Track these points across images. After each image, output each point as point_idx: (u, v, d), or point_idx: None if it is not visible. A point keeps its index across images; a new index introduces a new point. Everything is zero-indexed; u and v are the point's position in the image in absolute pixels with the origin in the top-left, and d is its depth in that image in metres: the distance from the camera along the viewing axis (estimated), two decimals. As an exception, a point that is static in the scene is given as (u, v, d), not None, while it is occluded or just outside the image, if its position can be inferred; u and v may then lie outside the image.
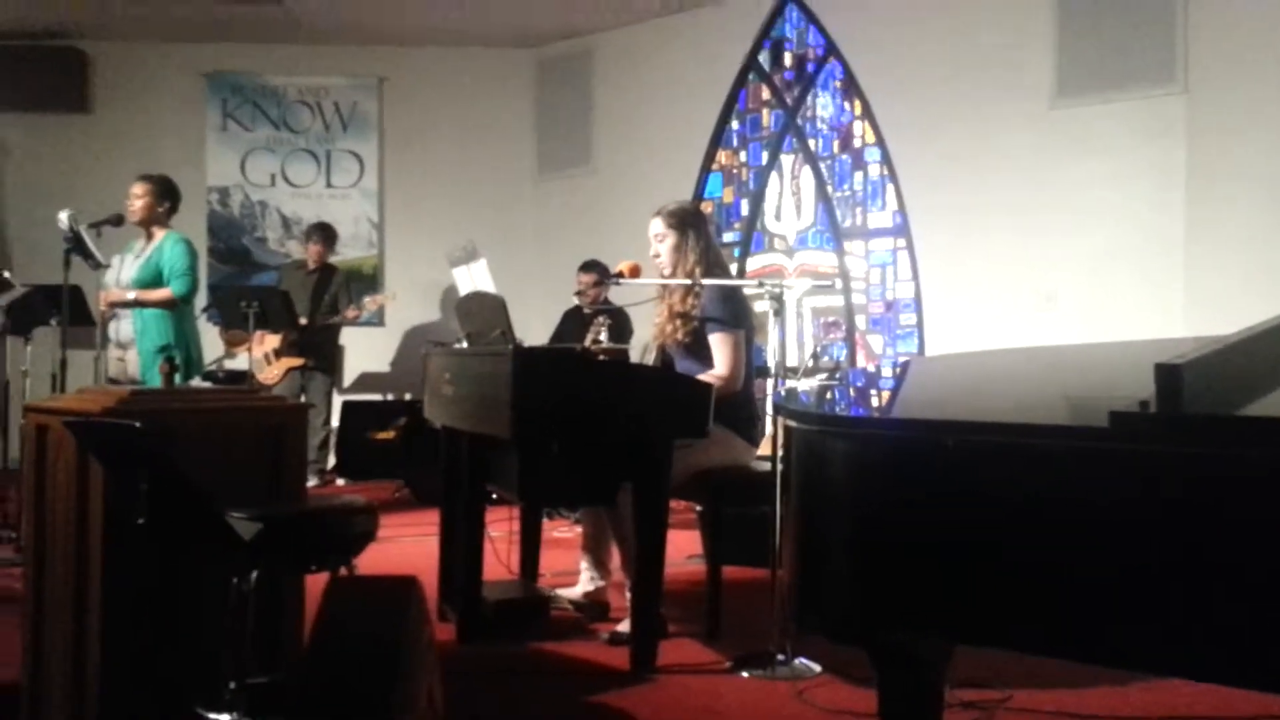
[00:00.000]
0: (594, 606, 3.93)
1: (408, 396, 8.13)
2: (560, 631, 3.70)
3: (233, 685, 2.58)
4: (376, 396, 8.36)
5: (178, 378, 4.86)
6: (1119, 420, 1.53)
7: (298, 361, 7.07)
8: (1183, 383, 1.51)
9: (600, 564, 3.98)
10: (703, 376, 3.56)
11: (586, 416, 3.27)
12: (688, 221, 3.85)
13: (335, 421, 7.71)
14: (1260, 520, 1.42)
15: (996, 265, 6.18)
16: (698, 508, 3.87)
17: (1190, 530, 1.47)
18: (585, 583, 4.00)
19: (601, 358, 3.70)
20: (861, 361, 6.90)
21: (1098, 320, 5.60)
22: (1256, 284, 4.80)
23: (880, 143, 6.85)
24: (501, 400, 3.26)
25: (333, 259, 7.71)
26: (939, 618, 1.74)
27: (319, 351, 7.25)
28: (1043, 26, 6.03)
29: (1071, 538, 1.58)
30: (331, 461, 7.63)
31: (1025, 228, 6.04)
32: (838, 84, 7.15)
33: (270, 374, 6.98)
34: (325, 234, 7.60)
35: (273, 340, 6.96)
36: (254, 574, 2.62)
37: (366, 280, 8.52)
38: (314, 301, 7.30)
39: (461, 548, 3.69)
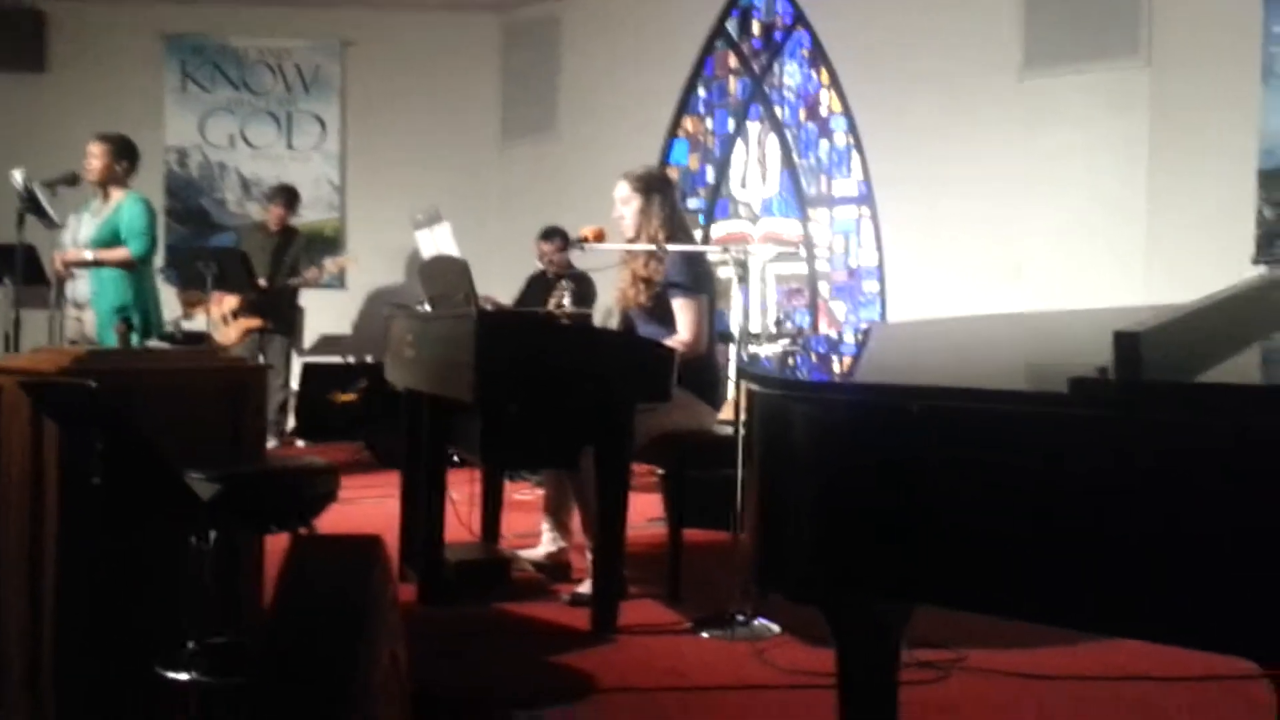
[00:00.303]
0: (555, 568, 3.94)
1: (369, 359, 8.08)
2: (522, 593, 3.71)
3: (191, 645, 2.57)
4: (337, 359, 8.30)
5: (135, 338, 4.81)
6: (1078, 386, 1.55)
7: (256, 323, 6.99)
8: (1140, 350, 1.52)
9: (562, 526, 3.99)
10: (666, 341, 3.57)
11: (549, 380, 3.27)
12: (653, 186, 3.84)
13: (295, 384, 7.66)
14: (1212, 485, 1.44)
15: (961, 235, 6.22)
16: (660, 471, 3.89)
17: (1145, 495, 1.49)
18: (547, 544, 4.01)
19: (565, 322, 3.70)
20: (824, 328, 6.94)
21: (1062, 290, 5.65)
22: (1216, 255, 4.86)
23: (846, 112, 6.86)
24: (464, 363, 3.25)
25: (294, 221, 7.62)
26: (898, 580, 1.75)
27: (278, 314, 7.17)
28: (1010, -3, 6.04)
29: (1029, 502, 1.60)
30: (292, 423, 7.58)
31: (990, 197, 6.07)
32: (805, 53, 7.13)
33: (228, 335, 6.91)
34: (287, 196, 7.51)
35: (230, 301, 6.88)
36: (212, 534, 2.60)
37: (328, 243, 8.44)
38: (274, 264, 7.22)
39: (423, 509, 3.68)
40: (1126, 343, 1.52)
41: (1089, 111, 5.74)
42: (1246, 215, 4.88)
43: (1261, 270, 4.44)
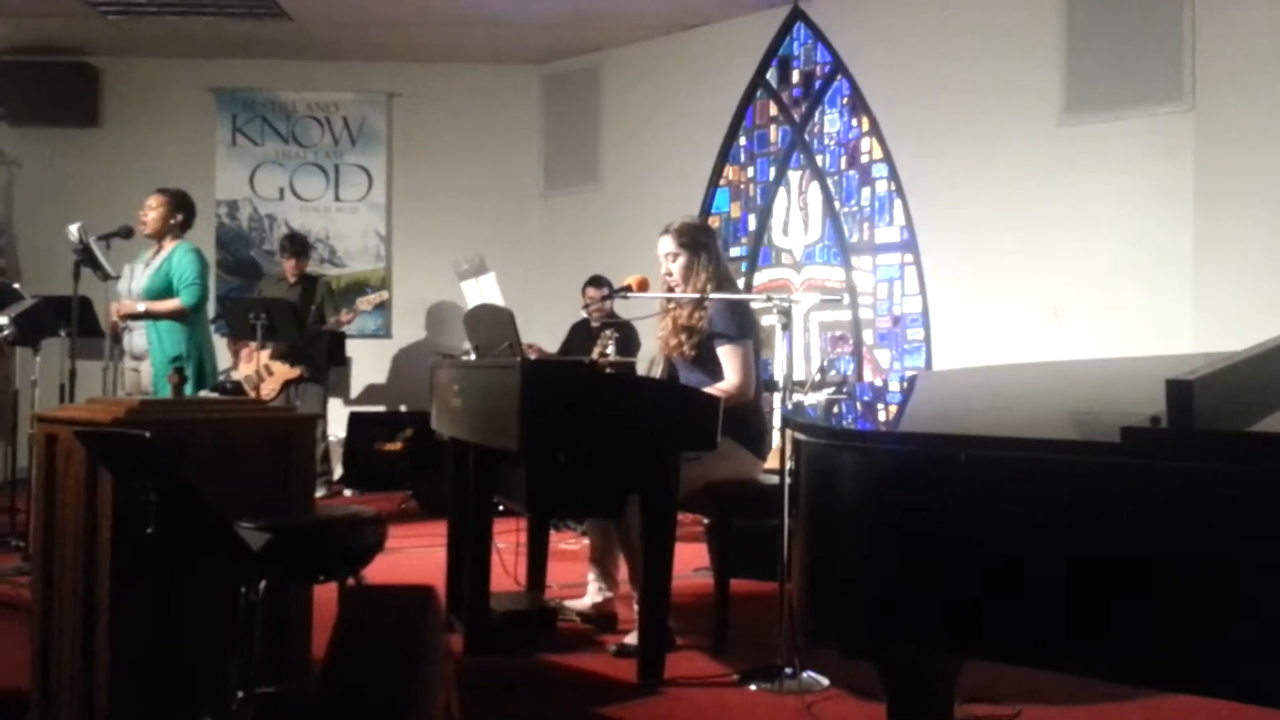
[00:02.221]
0: (601, 618, 3.92)
1: (402, 408, 8.14)
2: (568, 643, 3.70)
3: (240, 695, 2.58)
4: (383, 408, 8.38)
5: (189, 388, 4.89)
6: (1131, 435, 1.53)
7: (294, 373, 7.04)
8: (1194, 398, 1.51)
9: (607, 575, 3.98)
10: (713, 389, 3.57)
11: (594, 428, 3.27)
12: (699, 240, 3.86)
13: (337, 433, 7.72)
14: (1265, 537, 1.42)
15: (1004, 281, 6.19)
16: (705, 520, 3.87)
17: (1201, 546, 1.47)
18: (593, 594, 3.99)
19: (609, 370, 3.71)
20: (869, 376, 6.90)
21: (1106, 336, 5.60)
22: (1265, 301, 4.80)
23: (887, 158, 6.87)
24: (509, 412, 3.26)
25: (336, 271, 7.72)
26: (950, 632, 1.73)
27: (310, 362, 7.21)
28: (1051, 43, 6.05)
29: (1082, 552, 1.58)
30: (338, 473, 7.64)
31: (1033, 243, 6.04)
32: (845, 100, 7.17)
33: (268, 388, 6.96)
34: (295, 245, 7.51)
35: (263, 356, 6.92)
36: (262, 584, 2.62)
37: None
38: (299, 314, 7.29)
39: (469, 559, 3.68)
40: (1180, 391, 1.51)
41: (1132, 156, 5.71)
42: (1296, 259, 4.83)
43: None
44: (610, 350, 4.08)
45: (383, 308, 8.01)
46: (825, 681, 3.22)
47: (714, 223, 7.54)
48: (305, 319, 7.20)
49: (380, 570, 2.82)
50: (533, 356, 5.89)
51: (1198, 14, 5.49)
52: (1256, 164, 5.16)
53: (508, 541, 4.32)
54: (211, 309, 6.44)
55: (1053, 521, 1.61)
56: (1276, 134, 5.02)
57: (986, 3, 6.36)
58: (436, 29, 7.87)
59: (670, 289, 3.87)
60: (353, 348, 8.00)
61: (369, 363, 8.43)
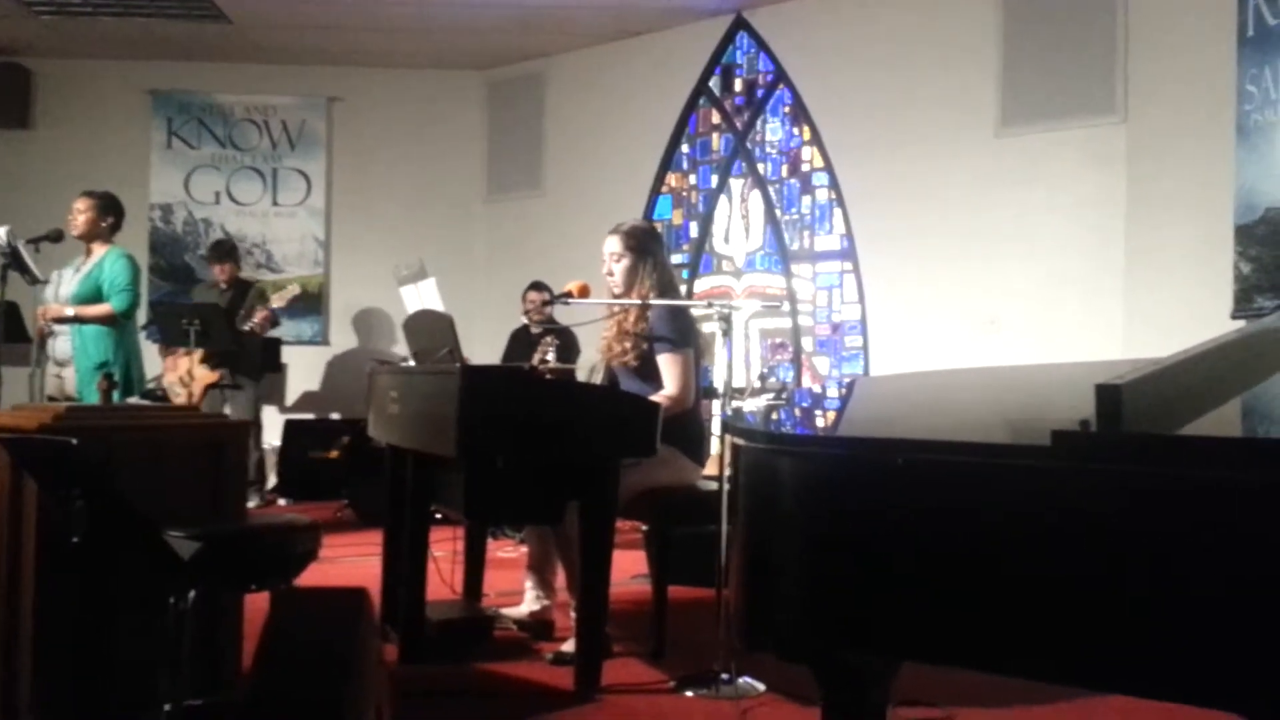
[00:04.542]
0: (538, 626, 3.90)
1: (336, 416, 8.02)
2: (504, 652, 3.67)
3: (168, 707, 2.53)
4: (319, 415, 8.26)
5: (117, 395, 4.79)
6: (1061, 439, 1.55)
7: (213, 377, 6.86)
8: (1122, 403, 1.53)
9: (545, 583, 3.96)
10: (653, 397, 3.56)
11: (533, 435, 3.25)
12: (644, 243, 3.85)
13: (272, 441, 7.60)
14: (1194, 538, 1.44)
15: (941, 288, 6.27)
16: (644, 527, 3.86)
17: (1129, 548, 1.49)
18: (530, 602, 3.97)
19: (549, 377, 3.69)
20: (807, 382, 6.95)
21: (1040, 343, 5.69)
22: (1194, 308, 4.91)
23: (828, 167, 6.93)
24: (448, 418, 3.23)
25: (274, 276, 7.60)
26: (886, 635, 1.74)
27: (240, 368, 7.05)
28: (988, 55, 6.14)
29: (1013, 555, 1.59)
30: (272, 481, 7.52)
31: (970, 252, 6.13)
32: (787, 109, 7.23)
33: (192, 392, 6.79)
34: (222, 250, 7.33)
35: (186, 361, 6.75)
36: (192, 594, 2.57)
37: (312, 299, 8.44)
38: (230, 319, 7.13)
39: (405, 567, 3.64)
40: (1109, 396, 1.53)
41: (1066, 167, 5.82)
42: (1224, 270, 4.94)
43: (1240, 324, 4.48)
44: (550, 356, 4.06)
45: (299, 302, 7.84)
46: (762, 687, 3.23)
47: (658, 229, 7.55)
48: (238, 323, 7.05)
49: (314, 579, 2.76)
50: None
51: (1130, 28, 5.61)
52: (1185, 174, 5.28)
53: (445, 550, 4.28)
54: (143, 315, 6.32)
55: (986, 524, 1.62)
56: (1204, 145, 5.13)
57: (926, 15, 6.45)
58: (379, 33, 7.80)
59: (612, 291, 3.86)
60: (288, 354, 7.88)
61: (305, 369, 8.32)
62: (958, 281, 6.18)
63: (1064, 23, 5.86)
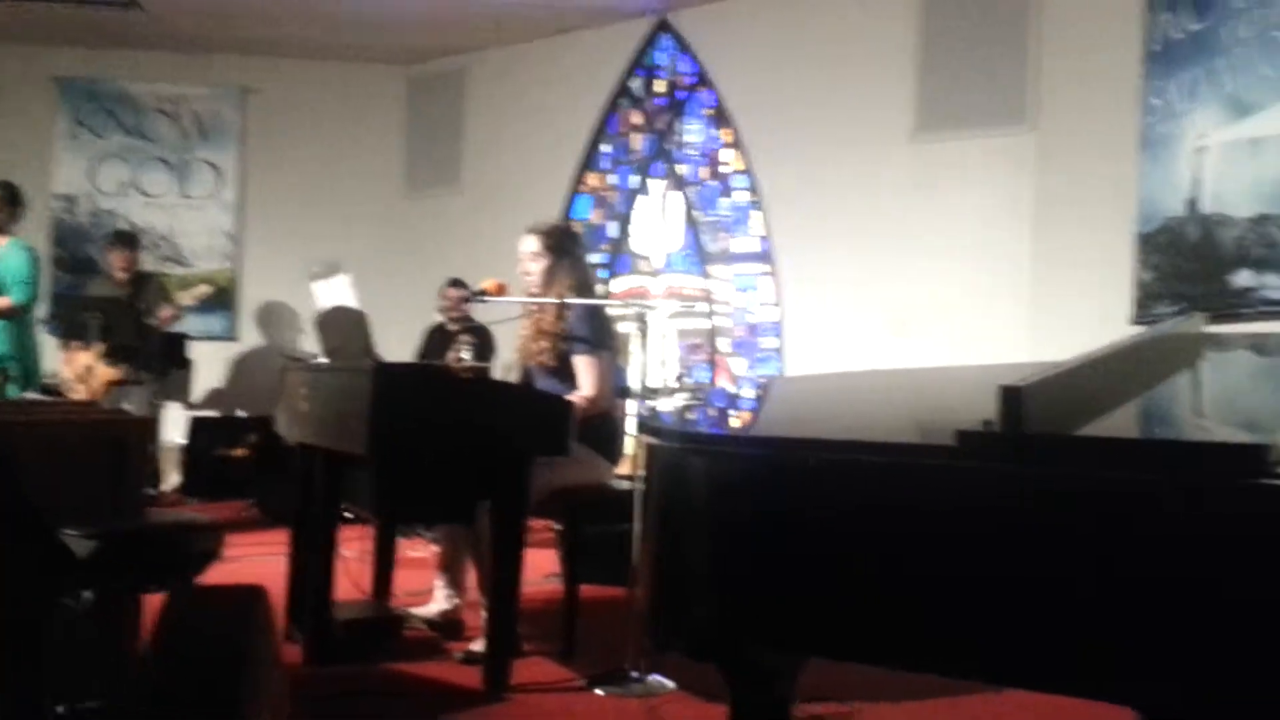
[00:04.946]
0: (448, 625, 3.86)
1: (244, 413, 7.84)
2: (413, 652, 3.62)
3: (60, 710, 2.44)
4: (226, 413, 8.07)
5: (14, 389, 4.63)
6: (965, 439, 1.58)
7: (114, 374, 6.66)
8: (1024, 404, 1.56)
9: (456, 583, 3.92)
10: (569, 397, 3.55)
11: (445, 433, 3.22)
12: (562, 243, 3.84)
13: (176, 438, 7.41)
14: (1092, 536, 1.47)
15: (857, 291, 6.35)
16: (556, 526, 3.85)
17: (1027, 545, 1.52)
18: (440, 601, 3.93)
19: (464, 375, 3.66)
20: (723, 383, 6.99)
21: (951, 345, 5.80)
22: (1097, 315, 5.03)
23: (748, 170, 6.99)
24: (359, 415, 3.19)
25: (182, 271, 7.41)
26: (796, 632, 1.75)
27: (142, 364, 6.84)
28: (905, 62, 6.24)
29: (917, 552, 1.61)
30: (174, 480, 7.33)
31: (884, 256, 6.22)
32: (707, 112, 7.26)
33: (90, 389, 6.57)
34: (125, 240, 7.07)
35: (86, 357, 6.54)
36: (87, 594, 2.49)
37: (221, 294, 8.25)
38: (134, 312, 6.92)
39: (313, 566, 3.58)
40: (1011, 396, 1.56)
41: (977, 174, 5.94)
42: (1125, 277, 5.08)
43: (1139, 330, 4.62)
44: (466, 355, 4.02)
45: (208, 301, 7.65)
46: (671, 685, 3.24)
47: (576, 228, 7.53)
48: (137, 316, 6.83)
49: (218, 580, 2.70)
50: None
51: (1041, 40, 5.74)
52: (1091, 184, 5.42)
53: (354, 549, 4.22)
54: (45, 308, 6.11)
55: (893, 522, 1.64)
56: (1110, 155, 5.27)
57: (845, 21, 6.53)
58: (297, 24, 7.65)
59: (530, 290, 3.84)
60: (195, 350, 7.69)
61: (212, 366, 8.11)
62: (872, 284, 6.27)
63: (978, 34, 5.99)
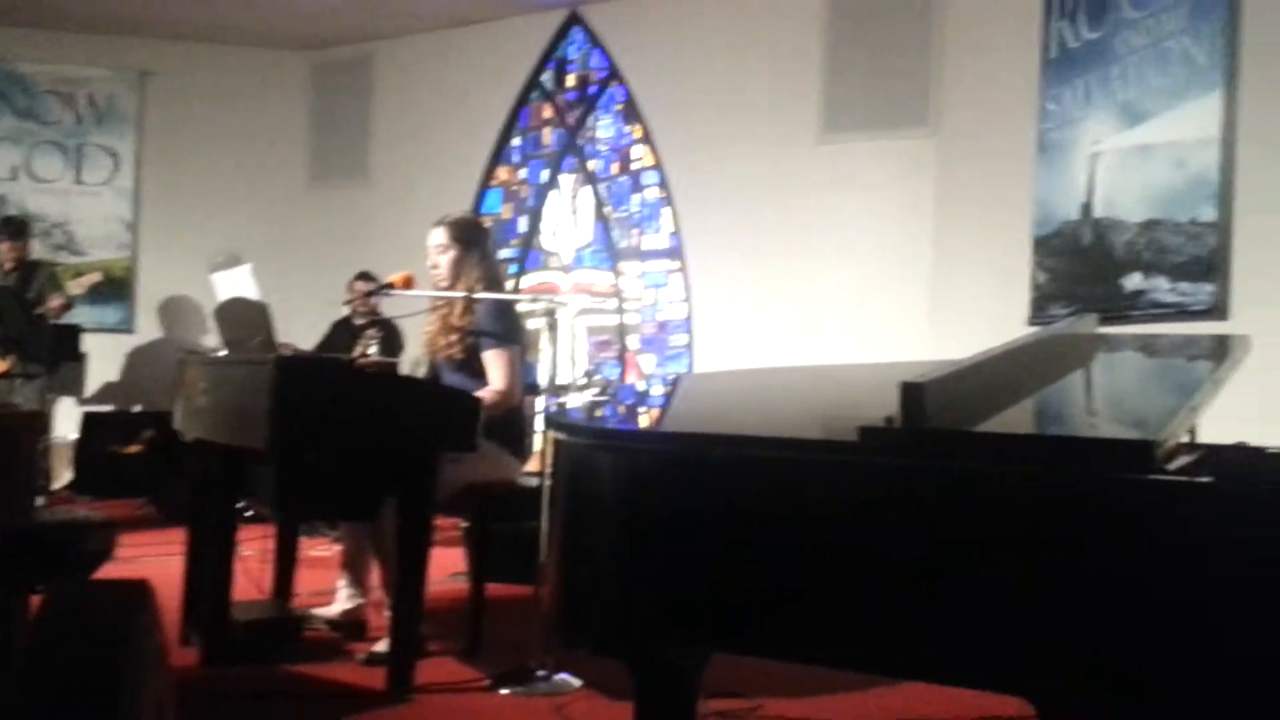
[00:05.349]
0: (351, 626, 3.80)
1: (139, 408, 7.62)
2: (314, 653, 3.55)
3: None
4: (121, 407, 7.82)
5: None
6: (867, 435, 1.60)
7: (3, 366, 6.41)
8: (925, 400, 1.59)
9: (359, 582, 3.86)
10: (479, 393, 3.52)
11: (349, 428, 3.16)
12: (471, 236, 3.80)
13: (68, 434, 7.16)
14: (989, 529, 1.51)
15: (765, 289, 6.42)
16: (464, 523, 3.81)
17: (928, 539, 1.54)
18: (343, 601, 3.86)
19: (370, 370, 3.60)
20: (632, 380, 7.01)
21: (857, 343, 5.90)
22: (995, 315, 5.16)
23: (659, 166, 7.01)
24: (260, 410, 3.11)
25: (75, 260, 7.16)
26: (699, 628, 1.76)
27: (33, 356, 6.59)
28: (812, 64, 6.32)
29: (820, 547, 1.63)
30: (66, 477, 7.08)
31: (792, 254, 6.30)
32: (619, 107, 7.26)
33: None
34: (14, 228, 6.80)
35: None
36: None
37: (117, 283, 8.01)
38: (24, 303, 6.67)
39: (210, 566, 3.49)
40: (912, 393, 1.58)
41: (881, 176, 6.05)
42: (1022, 279, 5.21)
43: (1035, 330, 4.74)
44: (373, 350, 3.95)
45: (102, 289, 7.40)
46: (578, 683, 3.23)
47: (486, 222, 7.48)
48: (27, 307, 6.58)
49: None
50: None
51: (943, 46, 5.86)
52: (990, 187, 5.55)
53: (254, 548, 4.13)
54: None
55: (798, 518, 1.66)
56: (1008, 160, 5.40)
57: (755, 21, 6.59)
58: (199, 6, 7.45)
59: (437, 284, 3.79)
60: (89, 342, 7.43)
61: (107, 358, 7.85)
62: (780, 282, 6.34)
63: (882, 38, 6.10)
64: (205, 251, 6.88)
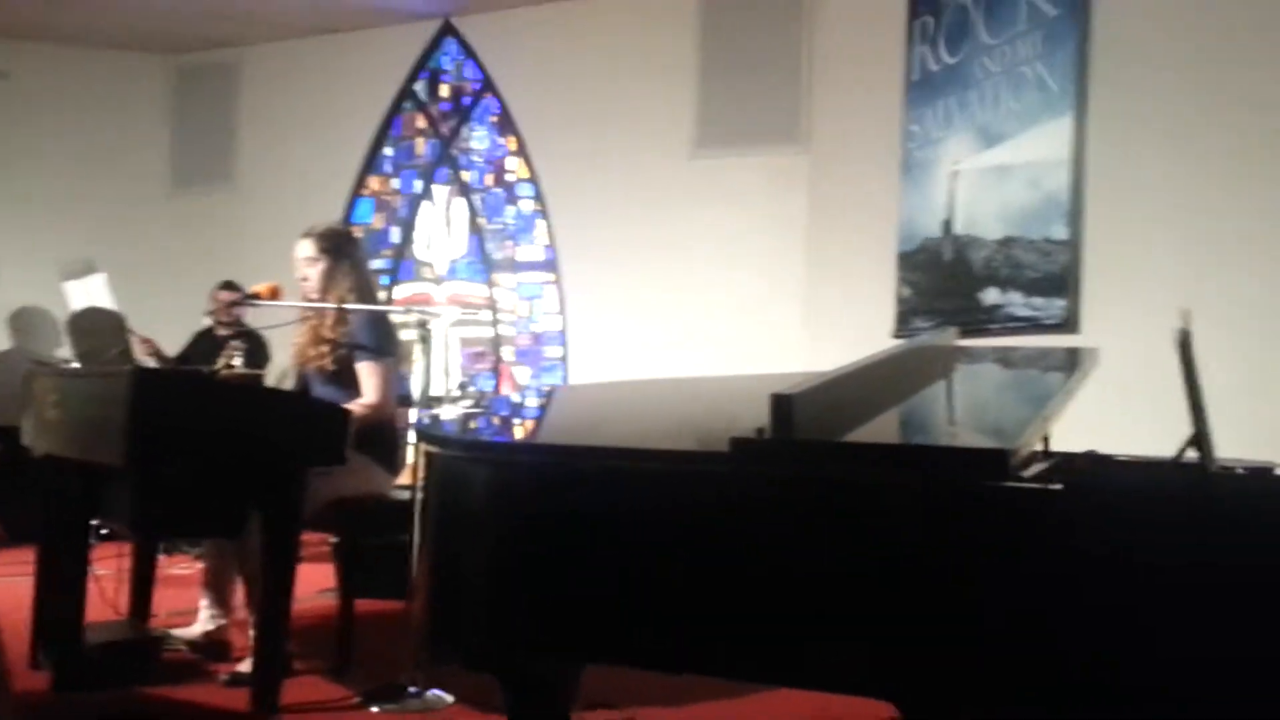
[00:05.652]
0: (213, 646, 3.68)
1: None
2: (174, 675, 3.43)
3: None
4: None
5: None
6: (739, 445, 1.62)
7: None
8: (794, 412, 1.62)
9: (222, 601, 3.74)
10: (351, 405, 3.45)
11: (211, 442, 3.06)
12: (340, 247, 3.73)
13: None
14: (858, 536, 1.54)
15: (640, 302, 6.47)
16: (332, 539, 3.73)
17: (797, 547, 1.57)
18: (205, 621, 3.74)
19: (232, 381, 3.50)
20: (507, 391, 6.97)
21: (731, 356, 5.97)
22: (864, 328, 5.29)
23: (533, 179, 7.00)
24: (116, 424, 3.00)
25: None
26: (576, 641, 1.76)
27: None
28: (686, 79, 6.41)
29: (694, 557, 1.65)
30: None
31: (667, 268, 6.37)
32: (494, 119, 7.24)
33: None
34: None
35: None
36: None
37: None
38: None
39: (62, 587, 3.34)
40: (782, 404, 1.61)
41: (754, 192, 6.17)
42: (889, 293, 5.36)
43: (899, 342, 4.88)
44: (237, 361, 3.84)
45: None
46: (450, 698, 3.19)
47: (357, 233, 7.35)
48: None
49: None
50: (148, 359, 5.45)
51: (813, 64, 6.01)
52: (858, 204, 5.70)
53: (110, 568, 3.97)
54: None
55: (669, 528, 1.67)
56: (874, 178, 5.55)
57: (629, 35, 6.64)
58: (56, 6, 7.13)
59: (307, 295, 3.71)
60: (-68, 354, 7.05)
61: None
62: (655, 295, 6.40)
63: (755, 57, 6.23)
64: (60, 259, 6.58)
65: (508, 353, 7.11)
